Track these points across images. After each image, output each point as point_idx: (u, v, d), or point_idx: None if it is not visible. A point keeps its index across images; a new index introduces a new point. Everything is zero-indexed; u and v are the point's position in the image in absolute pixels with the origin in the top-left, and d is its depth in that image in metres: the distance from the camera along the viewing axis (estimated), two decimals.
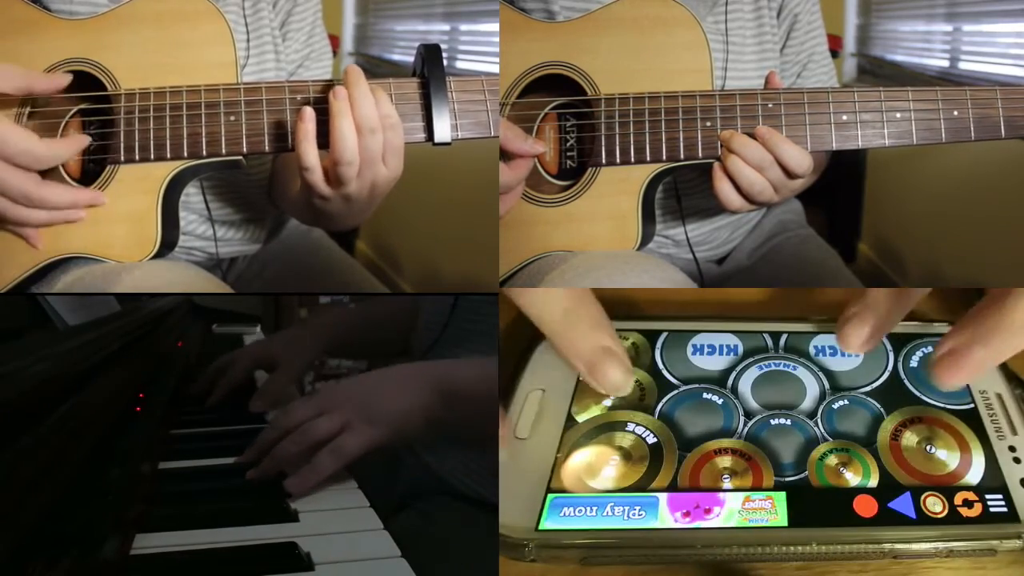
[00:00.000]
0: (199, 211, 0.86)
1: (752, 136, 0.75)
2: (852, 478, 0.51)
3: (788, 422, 0.55)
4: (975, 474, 0.50)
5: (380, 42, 1.57)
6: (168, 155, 0.75)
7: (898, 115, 0.76)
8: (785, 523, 0.48)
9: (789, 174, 0.74)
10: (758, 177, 0.74)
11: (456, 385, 0.71)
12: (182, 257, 0.86)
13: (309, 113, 0.70)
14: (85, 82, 0.76)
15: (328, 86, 0.74)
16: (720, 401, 0.57)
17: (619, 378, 0.53)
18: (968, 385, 0.56)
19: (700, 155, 0.77)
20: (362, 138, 0.70)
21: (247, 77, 0.82)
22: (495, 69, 0.78)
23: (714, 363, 0.60)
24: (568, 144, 0.80)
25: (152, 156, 0.75)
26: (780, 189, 0.75)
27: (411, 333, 1.04)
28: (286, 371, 0.94)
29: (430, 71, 0.74)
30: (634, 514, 0.49)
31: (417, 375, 0.71)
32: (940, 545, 0.47)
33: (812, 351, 0.60)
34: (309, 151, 0.70)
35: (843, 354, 0.60)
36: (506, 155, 0.76)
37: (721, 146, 0.76)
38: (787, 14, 0.87)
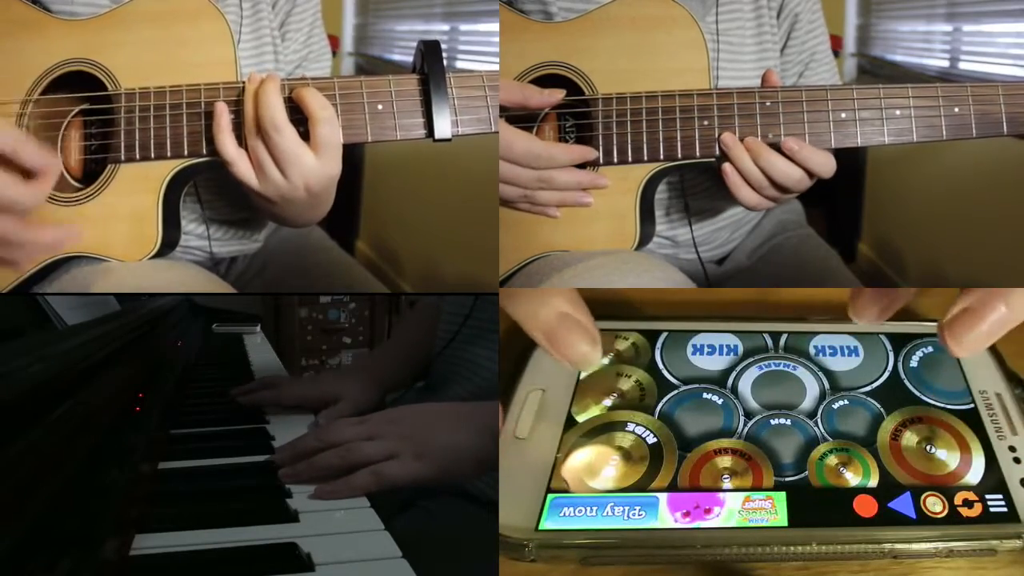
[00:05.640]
0: (197, 210, 0.85)
1: (777, 148, 0.75)
2: (852, 478, 0.51)
3: (788, 422, 0.55)
4: (975, 474, 0.50)
5: (380, 42, 1.56)
6: (168, 154, 0.75)
7: (898, 112, 0.76)
8: (785, 523, 0.48)
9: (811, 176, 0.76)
10: (783, 187, 0.76)
11: None
12: (182, 257, 0.85)
13: (222, 106, 0.73)
14: (86, 82, 0.76)
15: (323, 83, 0.74)
16: (720, 401, 0.57)
17: (582, 347, 0.49)
18: (968, 385, 0.56)
19: (698, 154, 0.77)
20: (268, 139, 0.71)
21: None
22: (495, 69, 0.78)
23: (714, 363, 0.60)
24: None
25: (152, 155, 0.75)
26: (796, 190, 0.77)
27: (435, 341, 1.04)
28: (344, 409, 0.88)
29: (430, 67, 0.74)
30: (634, 514, 0.49)
31: (471, 415, 0.70)
32: (940, 545, 0.47)
33: (812, 351, 0.60)
34: (228, 142, 0.72)
35: (843, 354, 0.60)
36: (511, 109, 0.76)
37: (721, 148, 0.76)
38: (787, 14, 0.87)
